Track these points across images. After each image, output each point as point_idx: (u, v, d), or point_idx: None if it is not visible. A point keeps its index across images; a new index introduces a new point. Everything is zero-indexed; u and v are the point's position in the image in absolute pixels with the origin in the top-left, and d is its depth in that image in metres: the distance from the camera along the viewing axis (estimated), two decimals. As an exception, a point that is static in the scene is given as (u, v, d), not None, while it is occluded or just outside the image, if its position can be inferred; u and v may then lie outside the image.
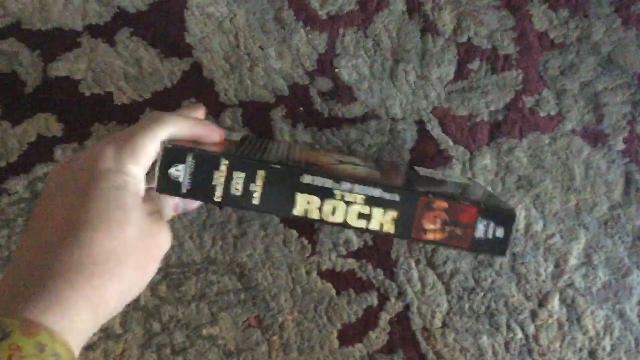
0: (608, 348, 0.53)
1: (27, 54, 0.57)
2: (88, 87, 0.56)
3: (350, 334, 0.52)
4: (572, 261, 0.55)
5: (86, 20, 0.58)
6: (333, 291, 0.52)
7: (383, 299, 0.53)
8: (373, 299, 0.53)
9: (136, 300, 0.47)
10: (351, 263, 0.53)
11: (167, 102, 0.57)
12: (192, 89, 0.57)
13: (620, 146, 0.59)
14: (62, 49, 0.57)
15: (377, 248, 0.54)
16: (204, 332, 0.50)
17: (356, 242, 0.54)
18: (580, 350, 0.53)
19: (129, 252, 0.34)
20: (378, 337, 0.52)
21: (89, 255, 0.33)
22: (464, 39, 0.61)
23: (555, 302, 0.54)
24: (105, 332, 0.49)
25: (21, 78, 0.56)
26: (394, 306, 0.53)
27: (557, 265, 0.55)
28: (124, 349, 0.49)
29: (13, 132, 0.54)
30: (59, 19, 0.58)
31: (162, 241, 0.37)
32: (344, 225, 0.39)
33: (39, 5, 0.58)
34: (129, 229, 0.34)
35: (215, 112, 0.57)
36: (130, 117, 0.56)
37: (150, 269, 0.37)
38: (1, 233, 0.51)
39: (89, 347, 0.49)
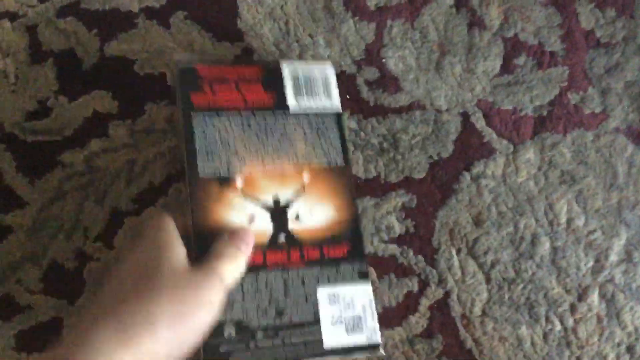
0: (646, 344, 0.53)
1: (85, 32, 0.59)
2: (142, 67, 0.58)
3: (390, 317, 0.52)
4: (613, 257, 0.56)
5: (142, 2, 0.60)
6: (374, 275, 0.53)
7: (423, 285, 0.54)
8: (414, 285, 0.53)
9: None
10: (393, 249, 0.54)
11: (218, 84, 0.58)
12: (243, 73, 0.59)
13: (664, 146, 0.59)
14: (118, 29, 0.59)
15: (418, 235, 0.55)
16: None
17: (398, 229, 0.55)
18: (619, 345, 0.53)
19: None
20: (418, 322, 0.52)
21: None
22: (511, 34, 0.62)
23: (594, 297, 0.54)
24: None
25: (79, 56, 0.58)
26: (434, 293, 0.53)
27: (597, 261, 0.55)
28: None
29: (70, 107, 0.56)
30: (116, 0, 0.60)
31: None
32: None
33: (98, -13, 0.60)
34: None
35: (264, 97, 0.58)
36: (182, 97, 0.57)
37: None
38: (58, 204, 0.53)
39: None
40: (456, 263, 0.54)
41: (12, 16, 0.59)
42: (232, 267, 0.41)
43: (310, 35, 0.60)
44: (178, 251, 0.39)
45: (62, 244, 0.52)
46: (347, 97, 0.59)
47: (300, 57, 0.59)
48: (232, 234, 0.43)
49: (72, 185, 0.54)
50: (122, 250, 0.43)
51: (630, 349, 0.53)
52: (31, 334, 0.50)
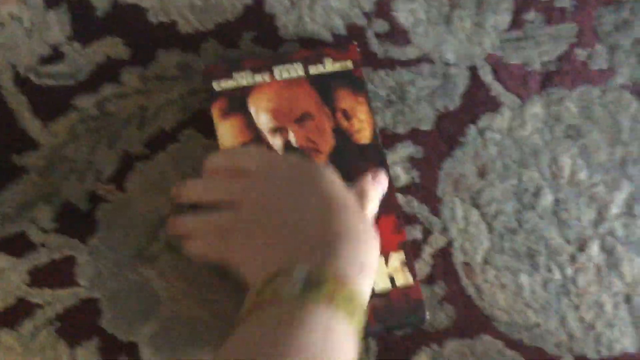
0: (644, 295, 0.54)
1: (98, -21, 0.59)
2: (155, 15, 0.59)
3: (394, 264, 0.54)
4: (614, 210, 0.56)
5: (155, -50, 0.60)
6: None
7: (427, 233, 0.55)
8: (417, 233, 0.55)
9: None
10: (398, 198, 0.55)
11: (229, 34, 0.59)
12: (253, 22, 0.59)
13: (670, 103, 0.60)
14: (131, -23, 0.59)
15: (423, 185, 0.56)
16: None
17: (404, 179, 0.56)
18: (616, 294, 0.54)
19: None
20: (421, 268, 0.54)
21: None
22: (521, -11, 0.62)
23: (594, 248, 0.55)
24: (165, 243, 0.52)
25: (92, 3, 0.59)
26: (438, 241, 0.55)
27: (598, 213, 0.56)
28: (180, 260, 0.52)
29: (83, 53, 0.57)
30: (129, -51, 0.60)
31: None
32: None
33: None
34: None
35: (274, 47, 0.59)
36: (193, 45, 0.58)
37: None
38: (70, 146, 0.54)
39: (148, 258, 0.52)
40: (460, 213, 0.55)
41: (26, -38, 0.59)
42: (372, 207, 0.45)
43: (321, -13, 0.61)
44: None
45: (75, 185, 0.54)
46: (357, 49, 0.59)
47: (311, 8, 0.60)
48: (374, 175, 0.47)
49: (84, 128, 0.55)
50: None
51: (628, 299, 0.54)
52: (44, 271, 0.52)
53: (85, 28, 0.58)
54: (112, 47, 0.57)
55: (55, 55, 0.57)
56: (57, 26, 0.58)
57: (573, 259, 0.55)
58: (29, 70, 0.56)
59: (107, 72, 0.57)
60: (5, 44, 0.57)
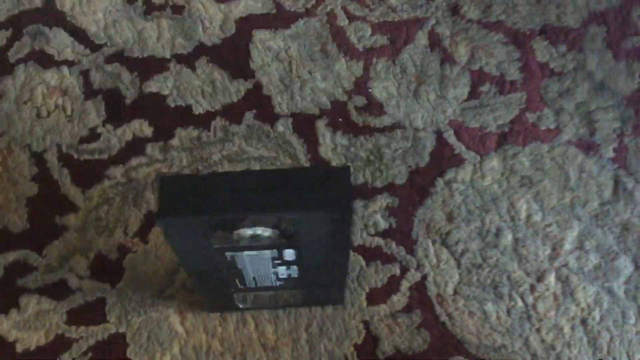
0: (597, 318, 0.62)
1: (127, 75, 0.73)
2: (173, 100, 0.72)
3: (377, 296, 0.62)
4: (567, 246, 0.65)
5: (174, 50, 0.75)
6: (363, 262, 0.64)
7: (404, 269, 0.64)
8: (396, 270, 0.64)
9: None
10: (378, 241, 0.65)
11: (233, 112, 0.71)
12: (253, 102, 0.72)
13: (610, 154, 0.70)
14: (154, 72, 0.73)
15: (400, 229, 0.66)
16: (257, 289, 0.63)
17: (383, 224, 0.66)
18: (573, 318, 0.62)
19: None
20: (399, 300, 0.62)
21: None
22: (477, 67, 0.75)
23: (551, 279, 0.64)
24: (181, 285, 0.62)
25: (122, 93, 0.72)
26: (414, 276, 0.64)
27: (553, 249, 0.65)
28: (194, 299, 0.62)
29: (114, 133, 0.70)
30: (152, 49, 0.74)
31: None
32: None
33: (138, 39, 0.75)
34: None
35: (271, 121, 0.71)
36: (204, 123, 0.70)
37: None
38: (102, 207, 0.66)
39: (167, 297, 0.62)
40: (432, 251, 0.65)
41: (69, 63, 0.74)
42: None
43: (310, 72, 0.74)
44: None
45: (106, 239, 0.64)
46: (340, 120, 0.71)
47: (301, 89, 0.73)
48: None
49: (115, 193, 0.67)
50: None
51: (583, 322, 0.62)
52: (80, 311, 0.61)
53: (117, 113, 0.71)
54: (138, 127, 0.70)
55: (92, 136, 0.70)
56: (94, 112, 0.71)
57: (533, 288, 0.63)
58: (70, 148, 0.69)
59: (134, 147, 0.69)
60: (51, 128, 0.70)
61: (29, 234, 0.64)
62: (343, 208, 0.44)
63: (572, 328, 0.62)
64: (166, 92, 0.72)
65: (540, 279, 0.64)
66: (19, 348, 0.59)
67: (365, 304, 0.62)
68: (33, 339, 0.60)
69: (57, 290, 0.62)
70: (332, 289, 0.59)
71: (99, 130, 0.70)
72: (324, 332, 0.61)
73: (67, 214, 0.65)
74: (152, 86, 0.72)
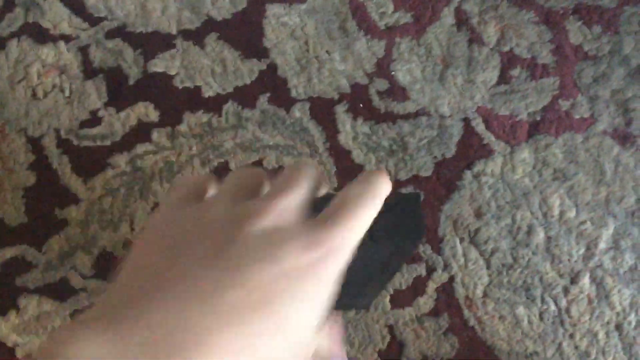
0: (634, 323, 0.59)
1: (130, 52, 0.67)
2: (181, 81, 0.66)
3: (401, 299, 0.59)
4: (602, 245, 0.62)
5: (180, 25, 0.68)
6: (386, 261, 0.60)
7: (431, 270, 0.60)
8: (422, 270, 0.60)
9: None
10: (403, 238, 0.61)
11: (246, 96, 0.66)
12: (268, 85, 0.67)
13: (648, 146, 0.66)
14: (159, 49, 0.67)
15: (426, 225, 0.62)
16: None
17: (407, 220, 0.62)
18: (608, 323, 0.59)
19: None
20: (426, 302, 0.59)
21: None
22: (507, 49, 0.69)
23: (585, 280, 0.60)
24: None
25: (125, 72, 0.66)
26: (440, 277, 0.60)
27: (587, 249, 0.61)
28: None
29: (117, 117, 0.64)
30: (157, 24, 0.68)
31: None
32: None
33: (141, 12, 0.69)
34: None
35: (287, 106, 0.66)
36: (215, 107, 0.65)
37: None
38: (106, 199, 0.61)
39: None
40: (459, 251, 0.61)
41: (67, 38, 0.67)
42: (358, 226, 0.24)
43: (328, 52, 0.68)
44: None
45: (111, 235, 0.60)
46: (361, 105, 0.66)
47: (319, 70, 0.67)
48: (365, 179, 0.24)
49: (119, 183, 0.61)
50: None
51: (618, 327, 0.58)
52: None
53: (119, 94, 0.65)
54: (143, 111, 0.65)
55: (93, 120, 0.64)
56: (94, 94, 0.65)
57: (566, 291, 0.60)
58: (70, 133, 0.63)
59: (139, 132, 0.63)
60: (49, 111, 0.64)
61: (27, 228, 0.59)
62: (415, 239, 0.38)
63: (607, 334, 0.59)
64: (173, 72, 0.66)
65: (574, 280, 0.60)
66: (19, 353, 0.55)
67: (389, 307, 0.58)
68: (34, 344, 0.55)
69: (59, 290, 0.57)
70: (364, 298, 0.55)
71: (101, 113, 0.64)
72: (345, 338, 0.57)
73: (67, 207, 0.60)
74: (158, 65, 0.67)
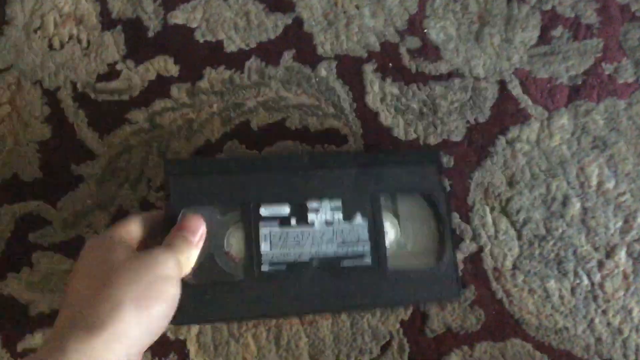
0: (671, 300, 0.56)
1: (150, 2, 0.64)
2: (202, 34, 0.63)
3: (427, 268, 0.56)
4: (641, 219, 0.58)
5: (202, -25, 0.65)
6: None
7: (458, 239, 0.57)
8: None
9: (237, 222, 0.53)
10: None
11: (270, 52, 0.62)
12: (293, 41, 0.63)
13: (696, 115, 0.62)
14: (180, 0, 0.64)
15: (454, 193, 0.59)
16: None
17: (436, 187, 0.59)
18: (644, 300, 0.56)
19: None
20: (452, 272, 0.56)
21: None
22: (548, 7, 0.65)
23: (622, 255, 0.57)
24: (210, 247, 0.56)
25: (144, 24, 0.63)
26: (468, 247, 0.57)
27: (626, 222, 0.58)
28: (225, 263, 0.56)
29: (136, 70, 0.61)
30: (178, -26, 0.65)
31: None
32: None
33: (162, -39, 0.65)
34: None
35: (312, 63, 0.62)
36: (237, 63, 0.62)
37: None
38: (124, 157, 0.59)
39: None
40: (489, 220, 0.58)
41: (84, -13, 0.64)
42: (182, 259, 0.43)
43: (357, 7, 0.64)
44: (126, 245, 0.42)
45: (128, 193, 0.58)
46: (390, 64, 0.62)
47: (347, 26, 0.63)
48: (181, 225, 0.45)
49: (137, 140, 0.59)
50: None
51: (655, 305, 0.56)
52: (101, 271, 0.56)
53: (138, 47, 0.62)
54: (162, 64, 0.62)
55: (111, 73, 0.62)
56: (112, 46, 0.62)
57: (601, 265, 0.57)
58: (87, 86, 0.61)
59: (158, 88, 0.61)
60: (65, 63, 0.62)
61: (41, 183, 0.57)
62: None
63: (643, 311, 0.56)
64: (194, 25, 0.63)
65: (609, 254, 0.57)
66: (32, 311, 0.54)
67: (414, 276, 0.56)
68: (48, 302, 0.54)
69: (74, 248, 0.56)
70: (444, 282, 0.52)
71: (119, 66, 0.62)
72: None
73: (83, 162, 0.58)
74: (178, 17, 0.63)
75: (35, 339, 0.54)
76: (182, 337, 0.54)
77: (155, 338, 0.39)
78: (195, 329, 0.54)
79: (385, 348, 0.54)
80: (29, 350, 0.53)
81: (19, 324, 0.54)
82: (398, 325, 0.55)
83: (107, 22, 0.63)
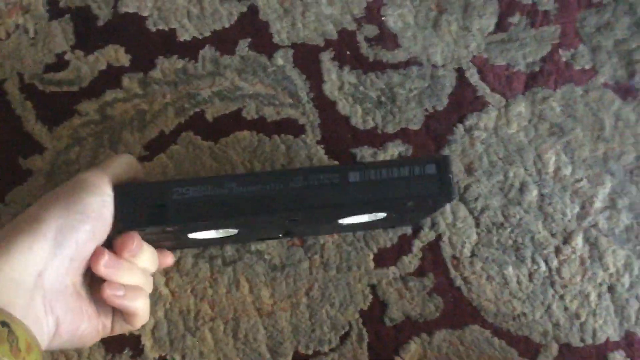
0: (627, 284, 0.56)
1: (99, -9, 0.62)
2: (154, 23, 0.61)
3: (385, 258, 0.56)
4: (597, 204, 0.59)
5: (154, -38, 0.63)
6: (371, 218, 0.57)
7: (417, 228, 0.57)
8: (407, 228, 0.57)
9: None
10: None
11: (225, 40, 0.61)
12: (248, 29, 0.62)
13: (651, 101, 0.62)
14: (131, -12, 0.62)
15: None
16: (252, 247, 0.55)
17: (394, 176, 0.58)
18: (600, 284, 0.56)
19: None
20: (411, 261, 0.56)
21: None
22: (505, -6, 0.65)
23: (579, 240, 0.57)
24: (164, 241, 0.54)
25: (94, 12, 0.61)
26: (427, 235, 0.57)
27: (582, 207, 0.58)
28: (180, 257, 0.54)
29: (86, 60, 0.60)
30: (129, -39, 0.63)
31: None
32: None
33: (112, -53, 0.63)
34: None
35: (268, 53, 0.61)
36: (191, 52, 0.60)
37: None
38: (74, 149, 0.57)
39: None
40: (448, 208, 0.58)
41: (31, -25, 0.62)
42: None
43: (313, -6, 0.63)
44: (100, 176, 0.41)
45: (79, 187, 0.56)
46: (347, 52, 0.62)
47: (304, 14, 0.62)
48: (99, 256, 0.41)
49: (87, 132, 0.57)
50: None
51: (611, 289, 0.56)
52: (51, 268, 0.54)
53: (88, 37, 0.61)
54: (113, 54, 0.60)
55: (59, 63, 0.60)
56: (60, 35, 0.60)
57: (558, 251, 0.57)
58: (34, 77, 0.59)
59: (109, 78, 0.59)
60: (11, 53, 0.60)
61: (-12, 178, 0.55)
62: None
63: (599, 295, 0.56)
64: (146, 13, 0.62)
65: (566, 240, 0.57)
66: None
67: (372, 265, 0.56)
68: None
69: (23, 244, 0.54)
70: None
71: (67, 56, 0.60)
72: (326, 297, 0.54)
73: (32, 156, 0.56)
74: (129, 5, 0.62)
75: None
76: (136, 333, 0.53)
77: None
78: (150, 323, 0.53)
79: (344, 338, 0.53)
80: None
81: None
82: (357, 315, 0.54)
83: (55, 11, 0.61)
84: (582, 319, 0.55)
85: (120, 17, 0.61)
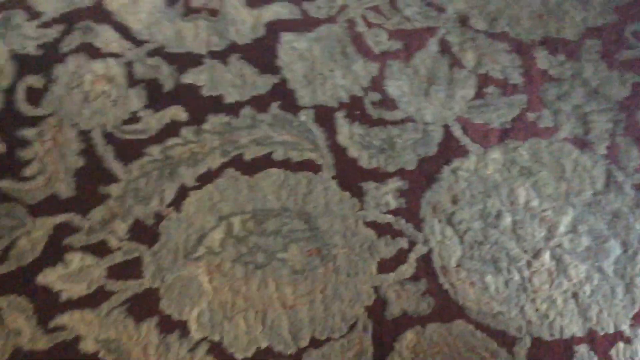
0: (588, 292, 0.68)
1: (166, 67, 0.81)
2: (207, 90, 0.80)
3: (386, 266, 0.69)
4: (562, 229, 0.72)
5: (208, 47, 0.83)
6: (375, 236, 0.70)
7: (412, 244, 0.70)
8: (404, 244, 0.70)
9: (230, 229, 0.66)
10: (389, 218, 0.71)
11: (261, 103, 0.79)
12: (279, 95, 0.80)
13: (603, 151, 0.77)
14: (190, 65, 0.81)
15: (409, 209, 0.72)
16: (278, 255, 0.69)
17: (394, 204, 0.73)
18: (566, 292, 0.68)
19: None
20: (407, 269, 0.69)
21: None
22: (483, 71, 0.83)
23: (546, 257, 0.70)
24: (209, 249, 0.68)
25: (161, 82, 0.80)
26: (420, 249, 0.70)
27: (549, 231, 0.71)
28: (220, 262, 0.68)
29: (154, 117, 0.77)
30: (190, 46, 0.83)
31: None
32: None
33: (176, 36, 0.83)
34: None
35: (294, 112, 0.79)
36: (234, 111, 0.78)
37: None
38: (141, 179, 0.73)
39: (196, 259, 0.68)
40: (437, 229, 0.71)
41: (115, 56, 0.82)
42: None
43: (331, 70, 0.82)
44: None
45: (144, 207, 0.71)
46: (357, 112, 0.79)
47: (323, 84, 0.80)
48: None
49: (152, 167, 0.74)
50: None
51: (575, 295, 0.68)
52: (119, 268, 0.68)
53: (156, 99, 0.79)
54: (175, 112, 0.78)
55: (134, 118, 0.77)
56: (135, 99, 0.79)
57: (529, 264, 0.69)
58: (114, 128, 0.76)
59: (171, 130, 0.76)
60: (97, 111, 0.78)
61: (75, 200, 0.71)
62: None
63: (565, 300, 0.67)
64: (201, 84, 0.80)
65: (536, 256, 0.70)
66: (63, 297, 0.66)
67: (375, 271, 0.68)
68: (76, 290, 0.66)
69: (99, 249, 0.68)
70: None
71: (140, 114, 0.78)
72: (337, 295, 0.67)
73: (109, 184, 0.72)
74: (189, 78, 0.80)
75: (64, 319, 0.65)
76: (184, 319, 0.66)
77: None
78: (195, 311, 0.66)
79: (352, 328, 0.65)
80: (59, 327, 0.64)
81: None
82: (363, 310, 0.66)
83: (132, 81, 0.80)
84: (551, 318, 0.67)
85: (181, 86, 0.80)
